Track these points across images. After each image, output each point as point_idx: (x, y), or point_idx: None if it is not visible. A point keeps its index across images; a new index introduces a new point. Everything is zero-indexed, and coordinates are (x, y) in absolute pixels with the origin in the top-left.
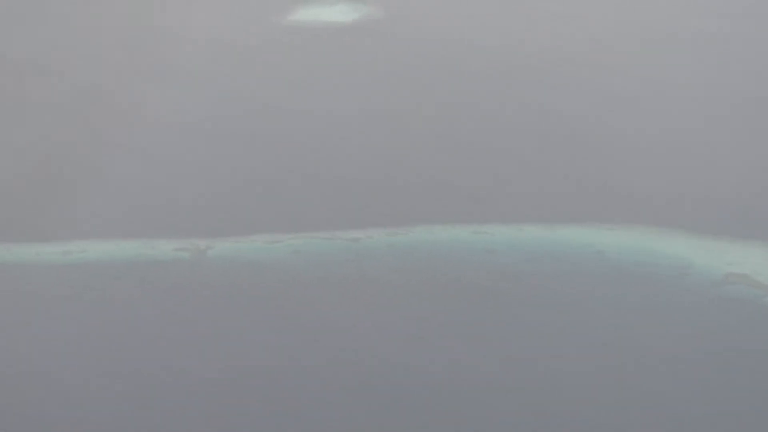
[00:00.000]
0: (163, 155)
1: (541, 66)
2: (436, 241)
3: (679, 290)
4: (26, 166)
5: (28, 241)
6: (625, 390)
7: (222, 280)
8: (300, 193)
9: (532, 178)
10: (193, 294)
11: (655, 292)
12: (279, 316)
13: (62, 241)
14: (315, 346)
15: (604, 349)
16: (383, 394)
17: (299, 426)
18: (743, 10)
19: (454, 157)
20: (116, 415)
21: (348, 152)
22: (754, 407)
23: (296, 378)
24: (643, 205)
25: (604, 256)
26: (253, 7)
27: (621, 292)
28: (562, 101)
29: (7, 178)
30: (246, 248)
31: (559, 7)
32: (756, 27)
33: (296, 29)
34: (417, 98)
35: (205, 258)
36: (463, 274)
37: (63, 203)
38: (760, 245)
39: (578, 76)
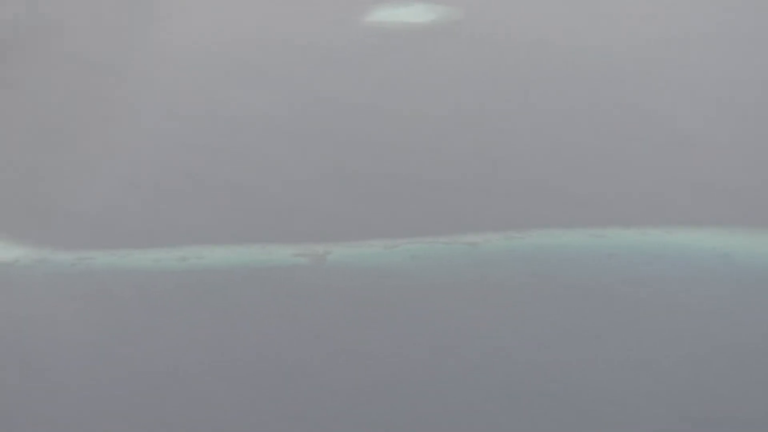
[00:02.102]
0: (277, 160)
1: (626, 65)
2: (555, 245)
3: None
4: (143, 175)
5: (145, 247)
6: (754, 392)
7: (342, 286)
8: (417, 197)
9: (649, 181)
10: (313, 299)
11: None
12: (400, 320)
13: (179, 246)
14: (435, 350)
15: (731, 354)
16: (511, 394)
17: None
18: None
19: (565, 160)
20: (240, 412)
21: (458, 155)
22: None
23: (417, 381)
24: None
25: (730, 260)
26: (331, 8)
27: (749, 296)
28: (654, 101)
29: (124, 186)
30: (364, 253)
31: (642, 7)
32: None
33: (376, 30)
34: (509, 99)
35: (324, 263)
36: (584, 278)
37: (179, 209)
38: None
39: (665, 75)
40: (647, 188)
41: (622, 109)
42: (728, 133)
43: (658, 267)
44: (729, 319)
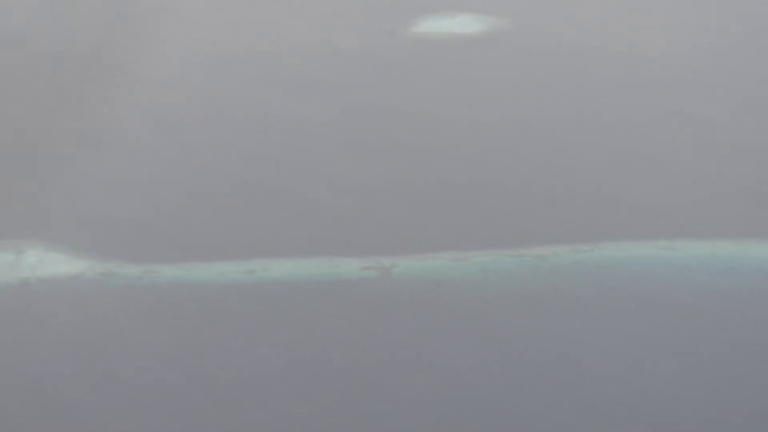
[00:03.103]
0: (339, 172)
1: (681, 73)
2: (624, 258)
3: None
4: (208, 187)
5: (211, 261)
6: None
7: (410, 298)
8: (482, 209)
9: (719, 192)
10: (381, 312)
11: None
12: (469, 333)
13: (245, 259)
14: (505, 363)
15: None
16: (581, 408)
17: None
18: None
19: (631, 171)
20: (310, 424)
21: (521, 166)
22: None
23: (487, 394)
24: None
25: None
26: (379, 19)
27: None
28: (712, 108)
29: (189, 199)
30: (432, 266)
31: (695, 15)
32: None
33: (424, 40)
34: (565, 109)
35: (391, 276)
36: (656, 292)
37: (245, 222)
38: None
39: (720, 82)
40: (717, 199)
41: (682, 117)
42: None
43: (733, 280)
44: None
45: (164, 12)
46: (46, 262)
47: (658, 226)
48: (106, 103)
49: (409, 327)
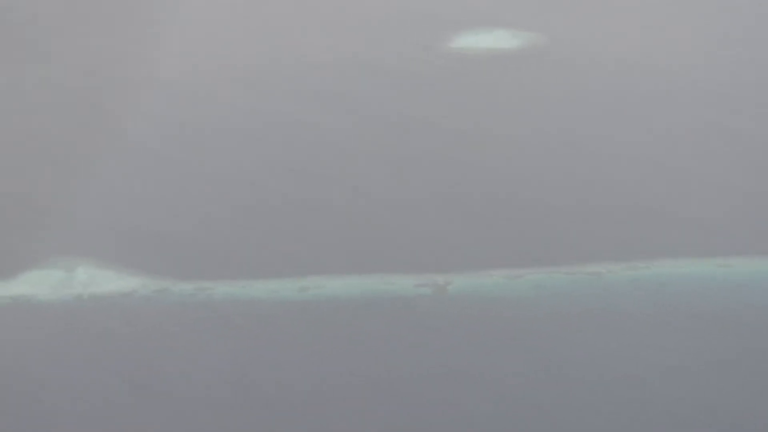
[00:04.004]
0: (389, 189)
1: (720, 88)
2: (680, 275)
3: None
4: (261, 205)
5: (264, 278)
6: None
7: (466, 316)
8: (534, 226)
9: None
10: (437, 330)
11: None
12: (526, 351)
13: (298, 277)
14: (560, 381)
15: None
16: (639, 424)
17: None
18: None
19: (680, 187)
20: None
21: (572, 182)
22: None
23: (543, 411)
24: None
25: None
26: (416, 34)
27: None
28: (747, 122)
29: (242, 216)
30: (486, 283)
31: (727, 28)
32: None
33: (461, 56)
34: (609, 124)
35: (446, 294)
36: (713, 309)
37: (298, 239)
38: None
39: (759, 96)
40: None
41: (723, 131)
42: None
43: None
44: None
45: (198, 27)
46: (98, 279)
47: (713, 244)
48: (149, 120)
49: (464, 345)
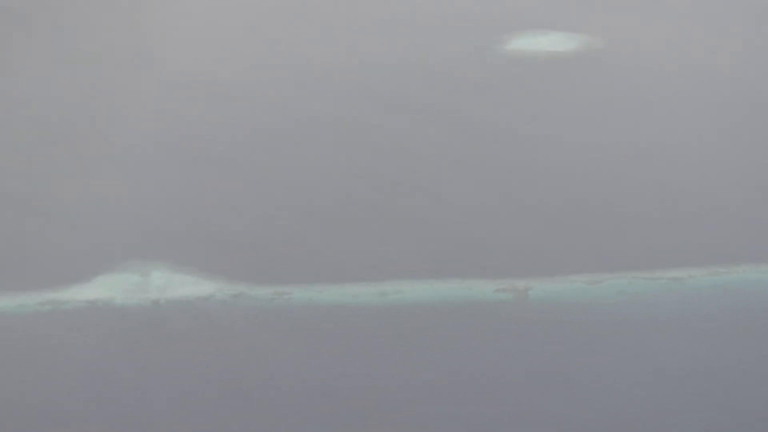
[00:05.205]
0: (461, 193)
1: None
2: (762, 280)
3: None
4: (339, 209)
5: (342, 282)
6: None
7: (548, 321)
8: (613, 231)
9: None
10: (519, 335)
11: None
12: (607, 357)
13: (378, 281)
14: (645, 387)
15: None
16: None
17: None
18: None
19: (758, 191)
20: None
21: (647, 186)
22: None
23: (628, 416)
24: None
25: None
26: (470, 37)
27: None
28: None
29: (319, 221)
30: (567, 288)
31: None
32: None
33: (517, 58)
34: (674, 129)
35: (526, 298)
36: None
37: (377, 244)
38: None
39: None
40: None
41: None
42: None
43: None
44: None
45: (251, 28)
46: (174, 284)
47: None
48: (218, 124)
49: (546, 349)
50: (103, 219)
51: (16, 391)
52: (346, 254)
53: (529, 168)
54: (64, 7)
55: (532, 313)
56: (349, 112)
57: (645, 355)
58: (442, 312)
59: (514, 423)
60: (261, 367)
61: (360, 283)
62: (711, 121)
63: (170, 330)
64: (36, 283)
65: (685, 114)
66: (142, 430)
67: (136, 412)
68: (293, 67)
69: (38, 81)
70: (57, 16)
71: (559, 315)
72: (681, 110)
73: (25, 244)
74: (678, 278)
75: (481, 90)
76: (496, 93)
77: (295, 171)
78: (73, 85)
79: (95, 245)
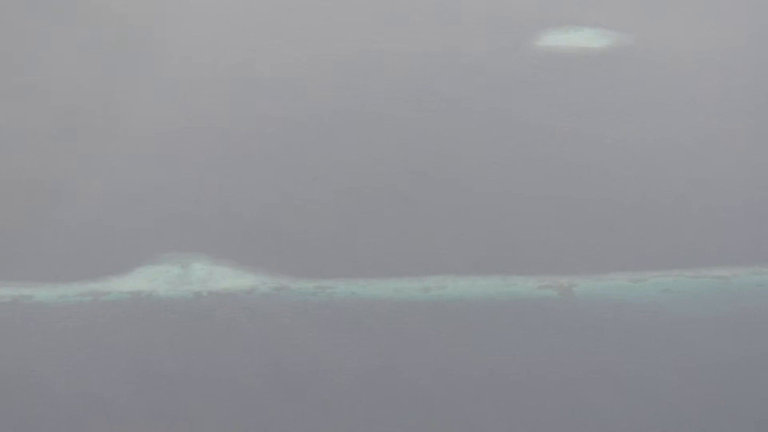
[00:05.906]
0: (500, 190)
1: None
2: None
3: None
4: (381, 205)
5: (386, 277)
6: None
7: (591, 319)
8: (656, 229)
9: None
10: (563, 332)
11: None
12: (652, 355)
13: (421, 276)
14: (689, 386)
15: None
16: None
17: None
18: None
19: None
20: None
21: (688, 185)
22: None
23: (675, 413)
24: None
25: None
26: (502, 33)
27: None
28: None
29: (363, 216)
30: (611, 286)
31: None
32: None
33: (550, 54)
34: (701, 125)
35: (571, 296)
36: None
37: (420, 239)
38: None
39: None
40: None
41: None
42: None
43: None
44: None
45: (287, 23)
46: (216, 276)
47: None
48: (255, 118)
49: (589, 347)
50: (142, 210)
51: (59, 382)
52: (390, 249)
53: (571, 165)
54: None
55: (575, 310)
56: (385, 108)
57: (688, 354)
58: (485, 308)
59: (556, 420)
60: (304, 360)
61: (403, 277)
62: (751, 117)
63: (213, 322)
64: (76, 274)
65: (724, 110)
66: (184, 422)
67: (179, 404)
68: (326, 58)
69: (66, 70)
70: (79, 4)
71: (602, 312)
72: (720, 107)
73: (63, 234)
74: (722, 277)
75: (514, 86)
76: (530, 89)
77: (338, 166)
78: (101, 74)
79: (135, 236)
